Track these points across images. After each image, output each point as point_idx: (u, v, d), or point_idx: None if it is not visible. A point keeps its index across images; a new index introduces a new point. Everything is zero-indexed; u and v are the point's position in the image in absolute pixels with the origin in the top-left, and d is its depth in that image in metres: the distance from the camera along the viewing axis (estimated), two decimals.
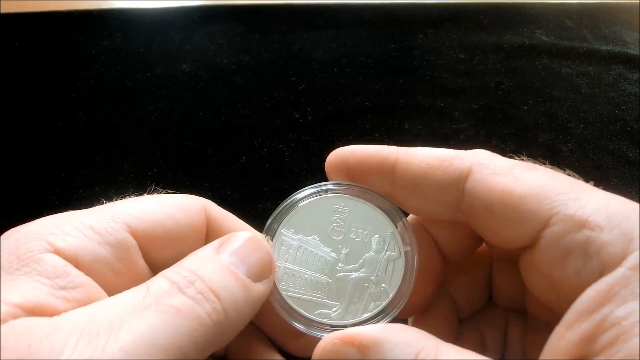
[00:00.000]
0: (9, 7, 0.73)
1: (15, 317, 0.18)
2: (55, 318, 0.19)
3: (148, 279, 0.24)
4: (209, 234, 0.26)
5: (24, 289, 0.19)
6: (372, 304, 0.25)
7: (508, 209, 0.23)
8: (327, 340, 0.22)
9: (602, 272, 0.20)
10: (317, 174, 0.52)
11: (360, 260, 0.26)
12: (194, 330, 0.20)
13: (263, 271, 0.24)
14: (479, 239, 0.29)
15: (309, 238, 0.27)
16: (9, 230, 0.22)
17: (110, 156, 0.53)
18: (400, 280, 0.26)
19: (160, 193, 0.26)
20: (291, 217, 0.27)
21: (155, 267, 0.24)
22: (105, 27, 0.71)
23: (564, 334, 0.20)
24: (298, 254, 0.26)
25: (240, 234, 0.25)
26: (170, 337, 0.19)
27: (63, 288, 0.20)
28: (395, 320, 0.25)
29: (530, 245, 0.23)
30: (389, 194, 0.27)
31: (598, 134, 0.59)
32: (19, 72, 0.63)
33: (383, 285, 0.26)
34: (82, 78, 0.63)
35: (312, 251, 0.26)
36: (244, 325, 0.23)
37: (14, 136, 0.55)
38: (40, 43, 0.68)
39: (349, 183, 0.27)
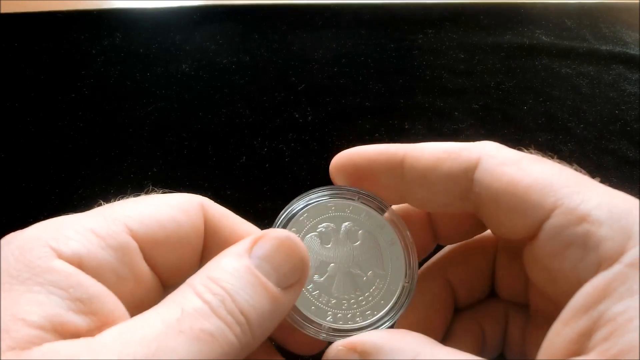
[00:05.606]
0: (9, 7, 0.73)
1: (44, 340, 0.18)
2: (90, 341, 0.19)
3: (151, 282, 0.24)
4: (207, 233, 0.26)
5: (43, 305, 0.19)
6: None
7: (513, 199, 0.23)
8: (333, 347, 0.24)
9: (599, 267, 0.20)
10: (317, 174, 0.52)
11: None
12: (225, 354, 0.20)
13: (295, 278, 0.23)
14: (479, 225, 0.29)
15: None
16: (7, 235, 0.21)
17: (110, 156, 0.53)
18: (400, 264, 0.26)
19: (158, 193, 0.26)
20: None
21: (157, 269, 0.24)
22: (105, 27, 0.71)
23: (560, 331, 0.20)
24: None
25: (273, 233, 0.23)
26: None
27: (79, 300, 0.20)
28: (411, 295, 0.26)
29: (533, 236, 0.23)
30: (397, 189, 0.27)
31: (598, 134, 0.59)
32: (19, 72, 0.63)
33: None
34: (82, 78, 0.63)
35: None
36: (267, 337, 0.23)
37: (14, 136, 0.55)
38: (40, 43, 0.68)
39: (329, 188, 0.28)
